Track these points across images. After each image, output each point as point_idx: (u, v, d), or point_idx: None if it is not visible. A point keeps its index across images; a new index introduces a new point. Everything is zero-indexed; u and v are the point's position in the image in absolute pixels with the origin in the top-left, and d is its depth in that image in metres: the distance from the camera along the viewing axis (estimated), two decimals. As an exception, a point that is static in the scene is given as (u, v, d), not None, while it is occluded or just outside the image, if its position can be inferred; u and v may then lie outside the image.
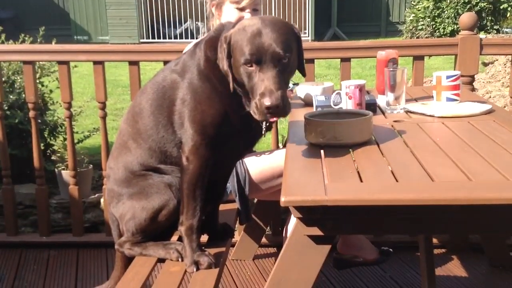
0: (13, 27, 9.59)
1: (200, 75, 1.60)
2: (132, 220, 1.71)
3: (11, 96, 3.27)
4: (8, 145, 2.94)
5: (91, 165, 3.35)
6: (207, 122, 1.59)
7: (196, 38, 2.27)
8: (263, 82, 1.42)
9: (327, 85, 2.26)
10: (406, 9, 11.26)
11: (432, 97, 2.07)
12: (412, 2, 10.35)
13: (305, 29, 11.54)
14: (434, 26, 9.36)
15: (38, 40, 3.60)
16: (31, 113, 2.80)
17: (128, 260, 1.79)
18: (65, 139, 3.35)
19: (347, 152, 1.54)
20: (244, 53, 1.45)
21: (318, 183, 1.32)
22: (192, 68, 1.62)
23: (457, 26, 8.04)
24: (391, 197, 1.25)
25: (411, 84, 2.86)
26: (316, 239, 1.35)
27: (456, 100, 2.02)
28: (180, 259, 1.68)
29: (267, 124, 1.66)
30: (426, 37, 9.21)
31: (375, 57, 2.22)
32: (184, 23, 11.79)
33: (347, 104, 1.94)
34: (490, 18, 9.38)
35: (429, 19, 9.41)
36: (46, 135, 3.48)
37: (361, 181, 1.33)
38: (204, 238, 1.85)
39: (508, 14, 9.28)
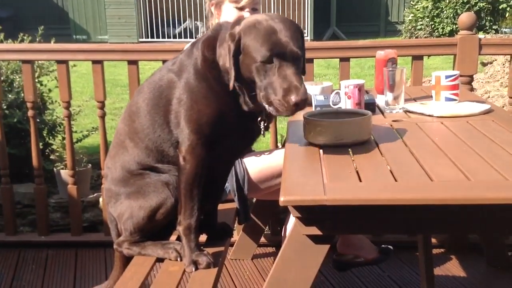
0: (12, 26, 9.60)
1: (197, 74, 1.60)
2: (130, 219, 1.71)
3: (9, 95, 3.27)
4: (7, 144, 2.94)
5: (90, 165, 3.35)
6: (203, 121, 1.58)
7: (196, 38, 2.26)
8: (285, 79, 1.43)
9: (326, 84, 2.26)
10: (405, 9, 11.27)
11: (431, 96, 2.08)
12: (411, 2, 10.36)
13: (304, 28, 11.53)
14: (433, 26, 9.37)
15: (37, 39, 3.60)
16: (30, 112, 2.80)
17: (127, 260, 1.79)
18: (63, 138, 3.35)
19: (346, 152, 1.54)
20: (261, 50, 1.45)
21: (317, 183, 1.31)
22: (188, 67, 1.62)
23: (456, 26, 8.04)
24: (390, 196, 1.25)
25: (410, 84, 2.86)
26: (315, 239, 1.35)
27: (455, 100, 2.02)
28: (179, 259, 1.68)
29: (265, 124, 1.66)
30: (425, 37, 9.21)
31: (374, 57, 2.22)
32: (183, 23, 11.79)
33: (346, 104, 1.94)
34: (489, 18, 9.40)
35: (428, 19, 9.42)
36: (44, 135, 3.48)
37: (360, 180, 1.33)
38: (203, 237, 1.85)
39: (507, 14, 9.29)
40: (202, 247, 1.69)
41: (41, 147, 3.14)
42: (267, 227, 2.84)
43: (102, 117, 2.81)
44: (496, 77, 5.52)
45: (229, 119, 1.61)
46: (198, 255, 1.64)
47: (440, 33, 9.19)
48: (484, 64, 5.97)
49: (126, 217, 1.72)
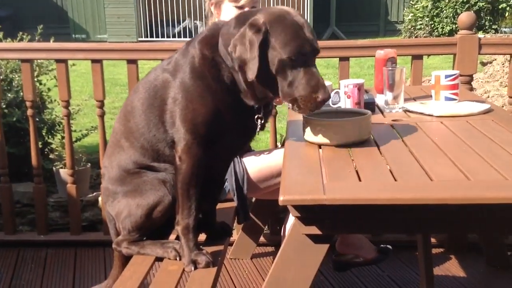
0: (11, 26, 9.58)
1: (193, 73, 1.58)
2: (128, 218, 1.71)
3: (9, 94, 3.27)
4: (6, 143, 2.93)
5: (89, 164, 3.35)
6: (198, 121, 1.58)
7: (195, 37, 2.26)
8: (313, 76, 1.46)
9: (325, 84, 2.25)
10: (405, 8, 11.27)
11: (431, 96, 2.07)
12: (411, 2, 10.37)
13: (303, 28, 11.52)
14: (432, 25, 9.38)
15: (36, 38, 3.59)
16: (29, 112, 2.79)
17: (126, 259, 1.79)
18: (63, 137, 3.35)
19: (346, 151, 1.54)
20: (290, 45, 1.44)
21: (317, 182, 1.31)
22: (184, 67, 1.60)
23: (456, 25, 8.04)
24: (390, 196, 1.25)
25: (410, 83, 2.86)
26: (314, 238, 1.34)
27: (455, 99, 2.02)
28: (178, 258, 1.68)
29: (262, 122, 1.65)
30: (425, 37, 9.22)
31: (374, 56, 2.22)
32: (182, 22, 11.79)
33: (346, 103, 1.94)
34: (488, 17, 9.40)
35: (427, 19, 9.42)
36: (44, 134, 3.48)
37: (360, 180, 1.32)
38: (202, 237, 1.85)
39: (507, 14, 9.30)
40: (201, 247, 1.69)
41: (40, 146, 3.14)
42: (266, 227, 2.84)
43: (101, 116, 2.81)
44: (496, 77, 5.53)
45: (226, 117, 1.60)
46: (197, 255, 1.64)
47: (440, 33, 9.20)
48: (483, 64, 5.97)
49: (124, 216, 1.72)
